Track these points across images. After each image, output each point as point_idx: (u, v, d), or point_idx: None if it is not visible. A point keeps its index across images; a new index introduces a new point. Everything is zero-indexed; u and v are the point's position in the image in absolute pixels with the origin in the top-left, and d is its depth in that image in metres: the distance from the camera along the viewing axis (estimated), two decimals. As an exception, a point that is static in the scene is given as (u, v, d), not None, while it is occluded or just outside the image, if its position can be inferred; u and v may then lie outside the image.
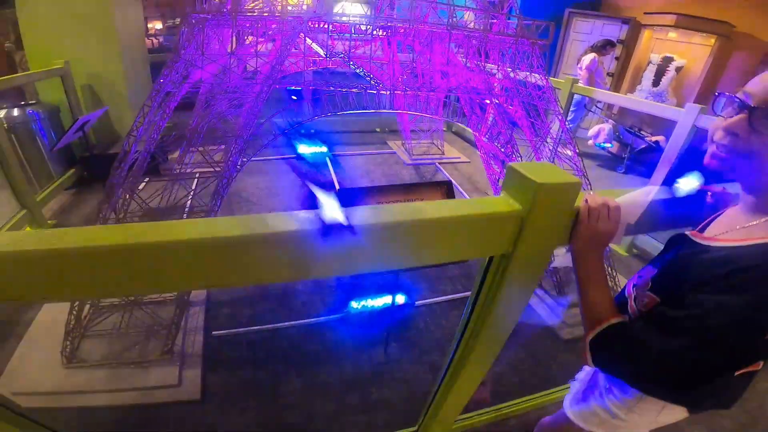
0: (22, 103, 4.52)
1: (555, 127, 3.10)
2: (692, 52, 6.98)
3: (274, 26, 2.41)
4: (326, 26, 2.38)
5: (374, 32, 2.54)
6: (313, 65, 3.98)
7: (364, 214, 0.77)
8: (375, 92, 2.59)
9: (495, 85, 3.00)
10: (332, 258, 0.78)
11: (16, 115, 4.30)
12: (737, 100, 0.83)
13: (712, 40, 6.71)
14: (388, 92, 2.53)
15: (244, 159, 2.30)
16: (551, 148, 2.99)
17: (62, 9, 4.81)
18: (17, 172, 3.65)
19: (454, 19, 2.47)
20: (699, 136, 3.37)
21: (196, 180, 4.58)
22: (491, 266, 1.02)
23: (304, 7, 3.07)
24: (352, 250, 0.78)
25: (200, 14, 2.39)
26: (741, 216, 0.88)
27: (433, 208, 0.82)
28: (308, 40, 3.01)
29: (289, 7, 2.58)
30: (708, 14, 6.69)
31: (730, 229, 0.87)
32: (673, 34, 7.13)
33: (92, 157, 4.75)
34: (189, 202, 4.05)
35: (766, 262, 0.71)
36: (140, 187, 4.54)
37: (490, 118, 3.01)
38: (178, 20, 12.16)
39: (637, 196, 0.99)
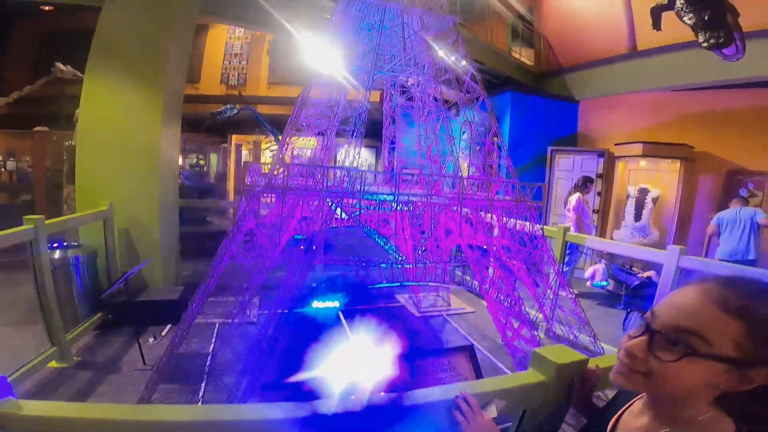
0: (65, 244, 4.94)
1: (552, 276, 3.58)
2: (663, 180, 7.88)
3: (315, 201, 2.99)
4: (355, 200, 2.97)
5: (397, 207, 3.12)
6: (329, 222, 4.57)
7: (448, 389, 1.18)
8: (400, 266, 3.10)
9: (496, 244, 3.52)
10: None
11: (57, 257, 4.66)
12: (643, 319, 0.92)
13: (678, 165, 7.61)
14: (412, 265, 3.04)
15: (285, 311, 2.70)
16: (552, 299, 3.44)
17: (117, 146, 5.30)
18: (55, 311, 3.99)
19: (463, 189, 3.08)
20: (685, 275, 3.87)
21: (216, 329, 4.92)
22: (525, 416, 1.43)
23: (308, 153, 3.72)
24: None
25: (256, 187, 2.99)
26: (649, 421, 0.95)
27: (494, 381, 1.26)
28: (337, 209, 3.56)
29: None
30: (670, 138, 7.66)
31: None
32: (643, 163, 8.10)
33: (120, 303, 4.98)
34: (212, 348, 4.38)
35: None
36: (163, 333, 4.90)
37: (493, 273, 3.49)
38: (200, 156, 13.46)
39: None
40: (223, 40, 13.45)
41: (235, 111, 10.85)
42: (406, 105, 4.19)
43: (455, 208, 3.20)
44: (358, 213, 3.30)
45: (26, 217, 3.82)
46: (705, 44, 4.35)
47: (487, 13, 9.79)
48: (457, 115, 4.20)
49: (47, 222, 3.97)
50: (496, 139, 3.46)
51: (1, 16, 11.05)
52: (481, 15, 9.96)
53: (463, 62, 3.78)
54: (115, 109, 5.33)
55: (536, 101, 9.36)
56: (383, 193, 2.98)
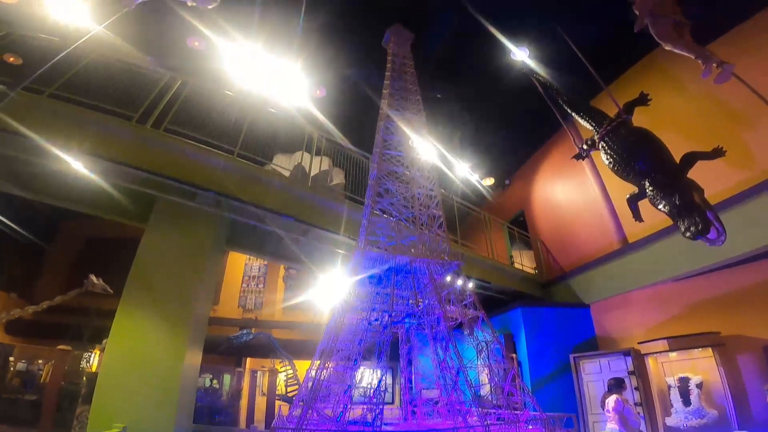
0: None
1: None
2: (701, 366, 7.44)
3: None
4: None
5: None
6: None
7: None
8: None
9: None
10: None
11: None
12: None
13: (710, 351, 7.25)
14: None
15: None
16: None
17: (139, 375, 5.46)
18: None
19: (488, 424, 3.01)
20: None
21: None
22: None
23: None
24: None
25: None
26: None
27: None
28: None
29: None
30: (694, 326, 7.47)
31: None
32: (673, 355, 7.75)
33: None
34: None
35: None
36: None
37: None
38: (214, 380, 13.12)
39: None
40: (242, 261, 14.48)
41: (251, 336, 11.10)
42: (422, 349, 4.36)
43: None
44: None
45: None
46: (687, 234, 4.40)
47: (483, 223, 10.71)
48: (471, 335, 4.30)
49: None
50: (516, 381, 3.51)
51: (47, 218, 11.82)
52: (478, 224, 10.90)
53: (471, 284, 4.09)
54: (142, 340, 5.68)
55: (548, 312, 9.49)
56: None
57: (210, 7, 5.21)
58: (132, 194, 6.28)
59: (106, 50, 6.50)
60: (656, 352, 7.91)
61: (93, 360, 9.64)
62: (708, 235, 4.40)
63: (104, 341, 6.41)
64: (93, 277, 8.72)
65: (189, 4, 5.23)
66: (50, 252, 13.08)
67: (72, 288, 8.75)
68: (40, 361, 10.43)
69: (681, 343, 7.56)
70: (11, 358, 10.69)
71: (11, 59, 6.54)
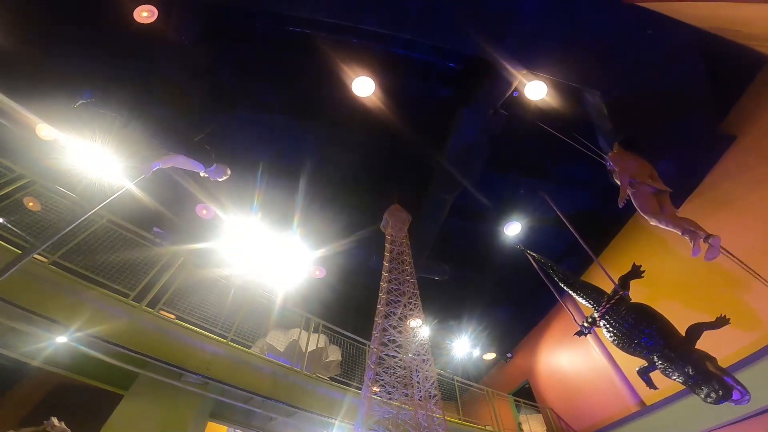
0: None
1: None
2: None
3: None
4: None
5: None
6: None
7: None
8: None
9: None
10: None
11: None
12: None
13: None
14: None
15: None
16: None
17: None
18: None
19: None
20: None
21: None
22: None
23: None
24: None
25: None
26: None
27: None
28: None
29: None
30: None
31: None
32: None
33: None
34: None
35: None
36: None
37: None
38: None
39: None
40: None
41: None
42: None
43: None
44: None
45: None
46: (709, 400, 4.19)
47: (487, 396, 10.19)
48: None
49: None
50: None
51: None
52: (482, 396, 10.34)
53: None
54: None
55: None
56: None
57: (220, 179, 5.52)
58: (115, 366, 6.02)
59: (113, 215, 6.69)
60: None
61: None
62: (732, 398, 4.17)
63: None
64: (54, 420, 8.05)
65: (201, 174, 5.56)
66: (14, 390, 12.18)
67: (29, 425, 8.03)
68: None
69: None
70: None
71: (30, 204, 6.53)
